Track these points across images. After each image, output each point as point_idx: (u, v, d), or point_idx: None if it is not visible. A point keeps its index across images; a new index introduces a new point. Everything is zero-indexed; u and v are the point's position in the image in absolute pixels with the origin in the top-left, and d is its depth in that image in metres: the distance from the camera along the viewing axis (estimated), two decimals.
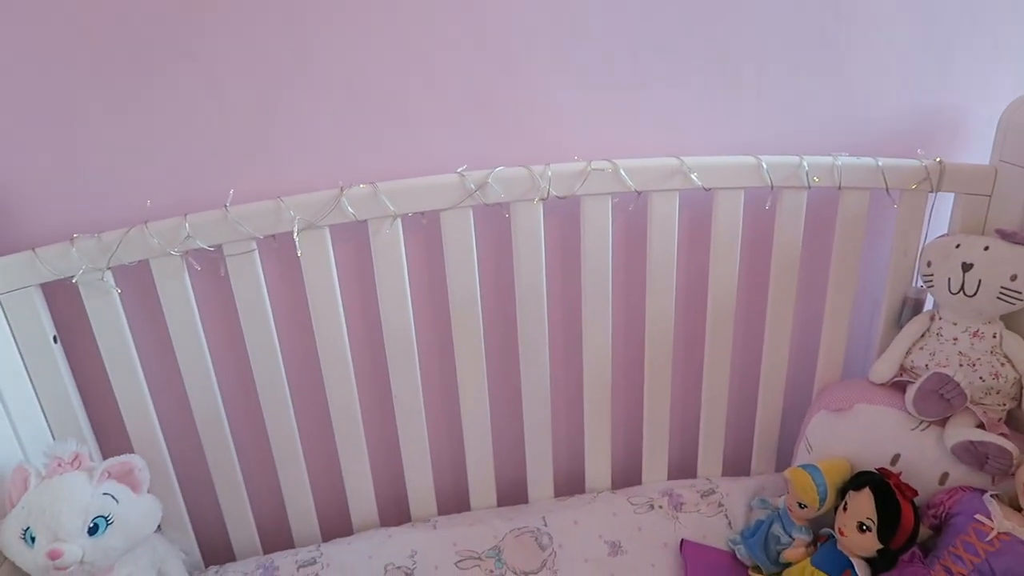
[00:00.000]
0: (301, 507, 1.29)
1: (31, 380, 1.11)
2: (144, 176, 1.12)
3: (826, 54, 1.23)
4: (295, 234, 1.10)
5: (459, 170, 1.12)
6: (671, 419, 1.35)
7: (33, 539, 0.95)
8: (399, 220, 1.13)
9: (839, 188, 1.21)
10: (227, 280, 1.12)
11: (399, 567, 1.21)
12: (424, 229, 1.20)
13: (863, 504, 1.06)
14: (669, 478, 1.38)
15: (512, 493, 1.37)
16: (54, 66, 1.03)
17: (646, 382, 1.31)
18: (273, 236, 1.11)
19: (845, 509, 1.09)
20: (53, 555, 0.94)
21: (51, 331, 1.11)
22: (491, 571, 1.20)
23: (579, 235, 1.20)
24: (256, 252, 1.11)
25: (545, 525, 1.27)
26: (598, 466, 1.36)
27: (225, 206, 1.08)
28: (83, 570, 0.97)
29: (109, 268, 1.08)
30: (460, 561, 1.21)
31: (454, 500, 1.36)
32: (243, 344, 1.16)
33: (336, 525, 1.34)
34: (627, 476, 1.42)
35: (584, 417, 1.32)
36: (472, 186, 1.12)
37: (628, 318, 1.33)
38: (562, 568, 1.21)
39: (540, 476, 1.34)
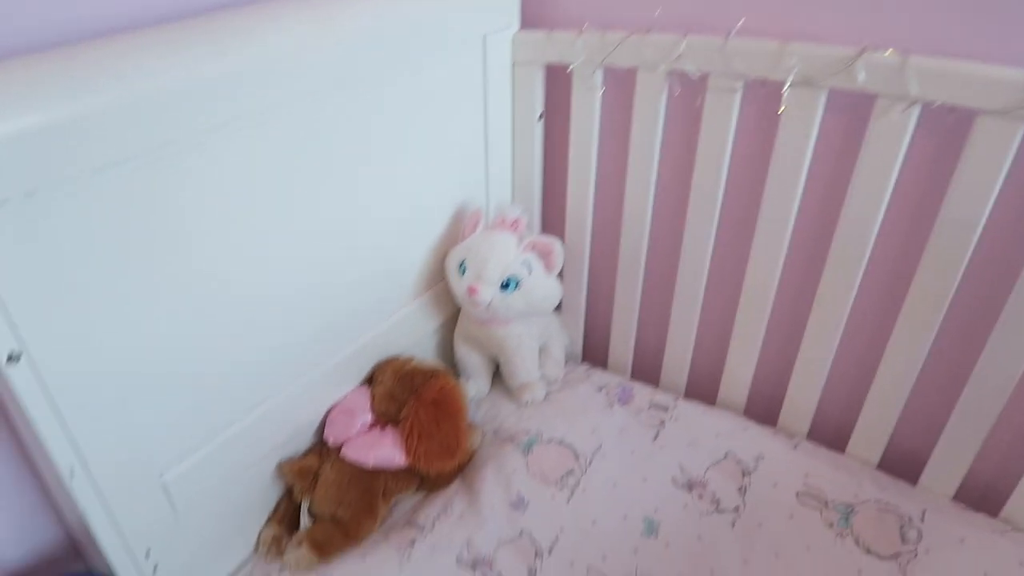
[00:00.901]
0: (679, 355, 1.28)
1: (512, 146, 1.26)
2: None
3: None
4: (786, 87, 0.98)
5: None
6: None
7: (463, 271, 1.14)
8: (919, 108, 0.91)
9: None
10: (700, 111, 1.07)
11: (739, 460, 1.15)
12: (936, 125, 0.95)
13: None
14: None
15: (899, 463, 1.15)
16: None
17: None
18: (762, 82, 1.00)
19: None
20: (471, 291, 1.11)
21: (540, 108, 1.22)
22: (831, 524, 1.06)
23: None
24: (739, 93, 1.03)
25: (921, 519, 1.04)
26: None
27: (726, 36, 0.99)
28: (488, 312, 1.14)
29: (602, 66, 1.11)
30: (802, 494, 1.09)
31: (832, 432, 1.20)
32: (690, 176, 1.12)
33: (702, 388, 1.31)
34: None
35: None
36: None
37: None
38: (916, 574, 1.00)
39: (949, 467, 1.08)
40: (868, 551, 1.03)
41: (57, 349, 0.70)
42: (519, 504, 1.09)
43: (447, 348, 1.32)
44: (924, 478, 1.11)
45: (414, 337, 1.23)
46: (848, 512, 1.07)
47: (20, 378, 0.69)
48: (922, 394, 1.10)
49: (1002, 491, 1.07)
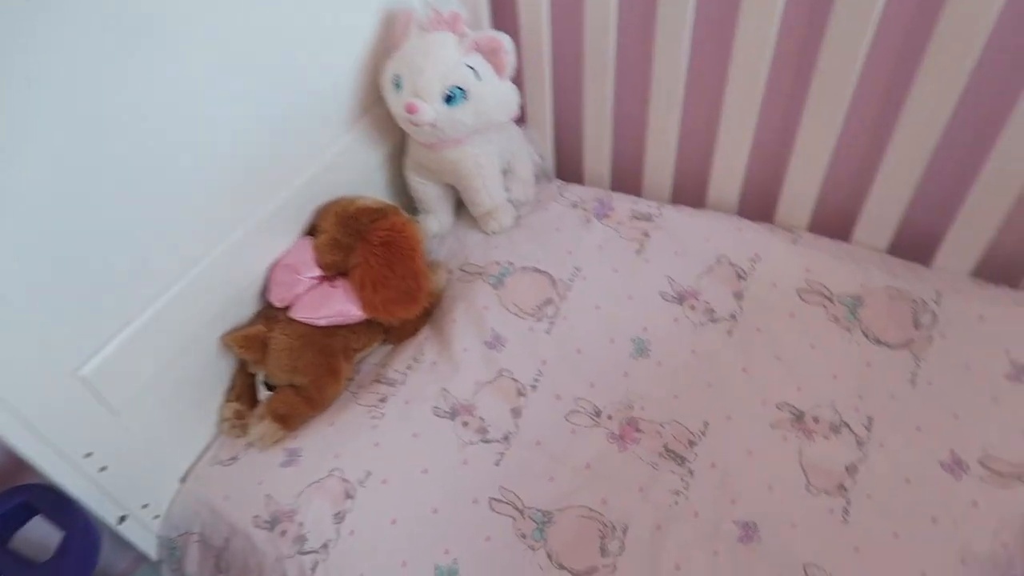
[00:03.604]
0: (661, 156, 1.13)
1: None
2: None
3: None
4: None
5: None
6: None
7: (399, 87, 0.96)
8: None
9: None
10: None
11: (733, 264, 1.04)
12: None
13: None
14: None
15: (911, 246, 1.03)
16: None
17: None
18: None
19: None
20: (409, 109, 0.94)
21: None
22: (837, 319, 0.97)
23: None
24: None
25: (937, 303, 0.95)
26: None
27: None
28: (434, 133, 0.98)
29: None
30: (805, 292, 1.00)
31: (835, 221, 1.08)
32: None
33: (689, 192, 1.17)
34: None
35: None
36: None
37: None
38: (930, 360, 0.92)
39: (963, 244, 0.97)
40: (878, 342, 0.95)
41: None
42: (495, 342, 1.00)
43: (399, 182, 1.17)
44: (939, 257, 1.00)
45: (358, 174, 1.08)
46: (855, 304, 0.98)
47: None
48: (937, 168, 0.96)
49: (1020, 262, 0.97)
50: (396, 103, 0.97)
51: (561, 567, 0.83)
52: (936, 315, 0.94)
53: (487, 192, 1.08)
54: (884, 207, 1.00)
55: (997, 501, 0.84)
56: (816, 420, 0.92)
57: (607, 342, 1.00)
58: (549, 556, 0.84)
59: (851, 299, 0.98)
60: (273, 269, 0.97)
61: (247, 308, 0.96)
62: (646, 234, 1.08)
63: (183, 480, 0.93)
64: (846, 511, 0.85)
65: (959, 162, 0.94)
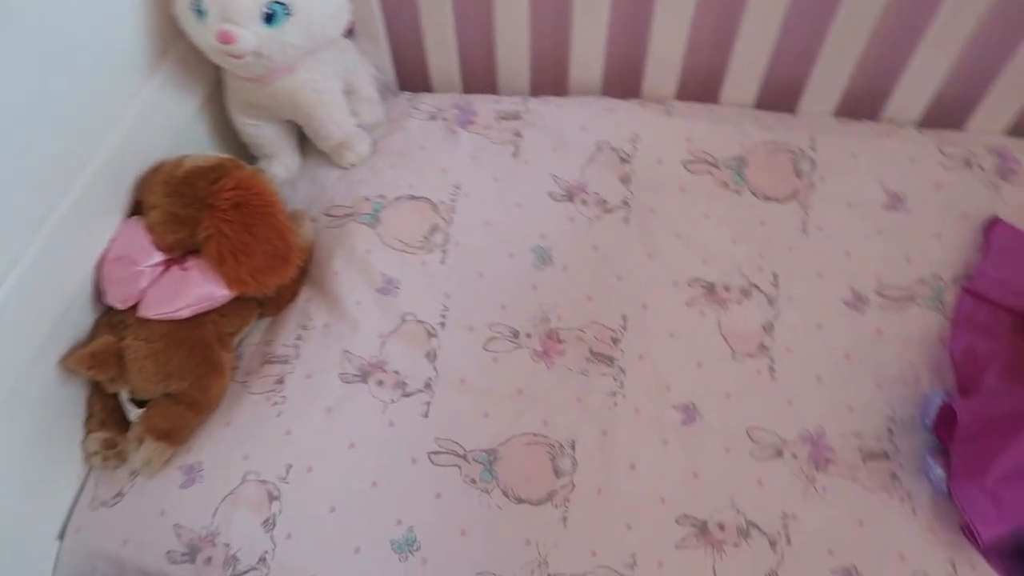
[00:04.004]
0: (514, 48, 1.03)
1: None
2: None
3: None
4: None
5: None
6: None
7: (203, 14, 0.78)
8: None
9: None
10: None
11: (615, 148, 0.99)
12: None
13: None
14: (1012, 133, 0.98)
15: (777, 97, 1.03)
16: None
17: None
18: None
19: None
20: (223, 38, 0.77)
21: None
22: (725, 184, 0.96)
23: None
24: None
25: (812, 148, 0.96)
26: (912, 93, 0.97)
27: None
28: (259, 64, 0.82)
29: None
30: (690, 163, 0.97)
31: (702, 84, 1.05)
32: None
33: (550, 81, 1.09)
34: (946, 116, 1.01)
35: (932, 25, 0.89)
36: None
37: None
38: (816, 206, 0.95)
39: (825, 83, 0.98)
40: (767, 198, 0.96)
41: None
42: (388, 287, 0.90)
43: (224, 128, 0.99)
44: (804, 102, 1.01)
45: (172, 129, 0.89)
46: (739, 165, 0.97)
47: None
48: (796, 14, 0.94)
49: (882, 92, 0.99)
50: (203, 34, 0.80)
51: (520, 501, 0.79)
52: (814, 161, 0.96)
53: (335, 121, 0.94)
54: (748, 61, 0.98)
55: (896, 325, 0.89)
56: (727, 288, 0.92)
57: (507, 258, 0.93)
58: (505, 493, 0.80)
59: (735, 161, 0.97)
60: (102, 266, 0.79)
61: (83, 320, 0.79)
62: (518, 134, 1.00)
63: (61, 537, 0.77)
64: (772, 368, 0.87)
65: (816, 4, 0.93)
